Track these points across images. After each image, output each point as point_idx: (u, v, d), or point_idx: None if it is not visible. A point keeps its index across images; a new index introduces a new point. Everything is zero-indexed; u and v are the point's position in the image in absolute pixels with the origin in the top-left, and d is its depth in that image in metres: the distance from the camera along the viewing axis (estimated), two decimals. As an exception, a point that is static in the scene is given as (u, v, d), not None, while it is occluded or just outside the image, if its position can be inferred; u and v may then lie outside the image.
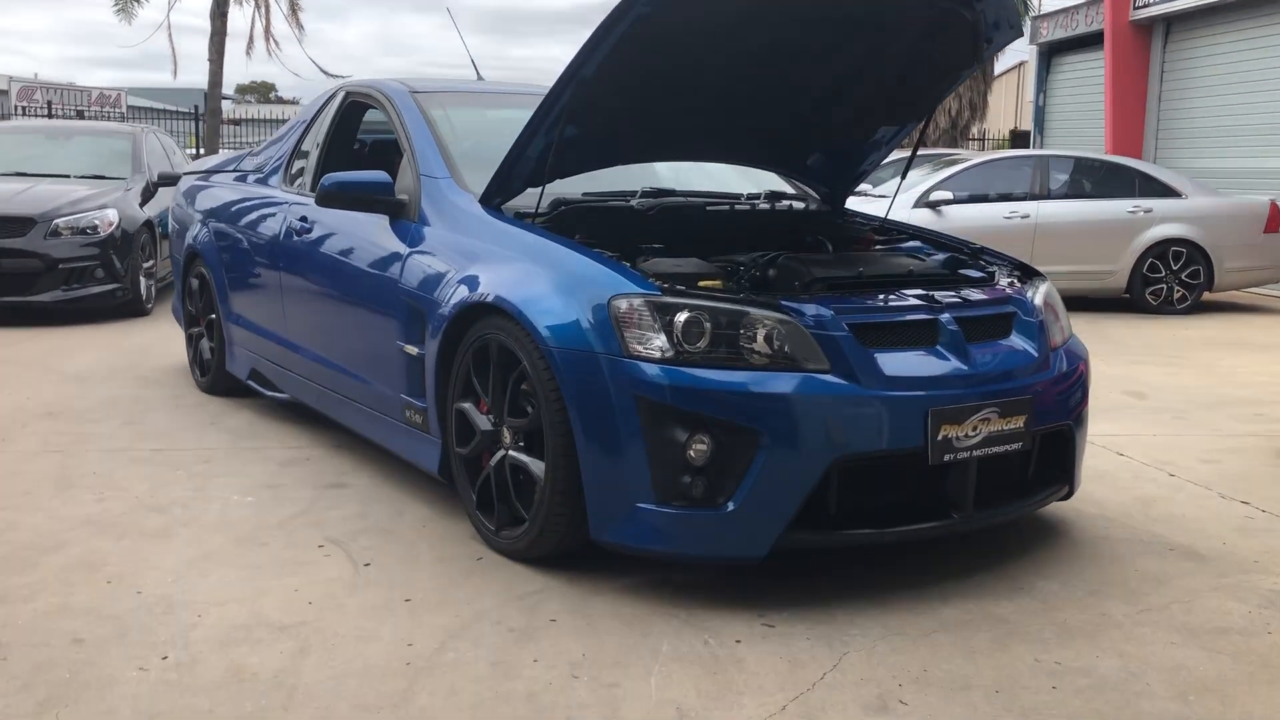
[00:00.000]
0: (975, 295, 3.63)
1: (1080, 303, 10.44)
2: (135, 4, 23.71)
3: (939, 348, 3.36)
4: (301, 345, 4.87)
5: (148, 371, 6.65)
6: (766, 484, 3.08)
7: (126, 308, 8.86)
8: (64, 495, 4.14)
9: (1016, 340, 3.57)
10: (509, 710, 2.56)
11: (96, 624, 2.99)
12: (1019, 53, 31.20)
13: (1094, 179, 10.87)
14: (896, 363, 3.25)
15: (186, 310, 6.24)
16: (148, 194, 9.43)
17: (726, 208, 4.34)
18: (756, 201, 4.52)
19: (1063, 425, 3.62)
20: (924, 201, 10.40)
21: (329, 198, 4.17)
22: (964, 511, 3.35)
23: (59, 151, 9.91)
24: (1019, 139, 23.58)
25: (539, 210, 3.82)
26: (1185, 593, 3.35)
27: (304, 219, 4.80)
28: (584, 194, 4.15)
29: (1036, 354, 3.55)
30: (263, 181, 5.51)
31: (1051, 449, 3.67)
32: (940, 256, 4.22)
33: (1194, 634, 3.05)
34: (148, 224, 9.12)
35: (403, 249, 4.08)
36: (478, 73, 5.65)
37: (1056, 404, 3.59)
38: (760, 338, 3.16)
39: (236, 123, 33.46)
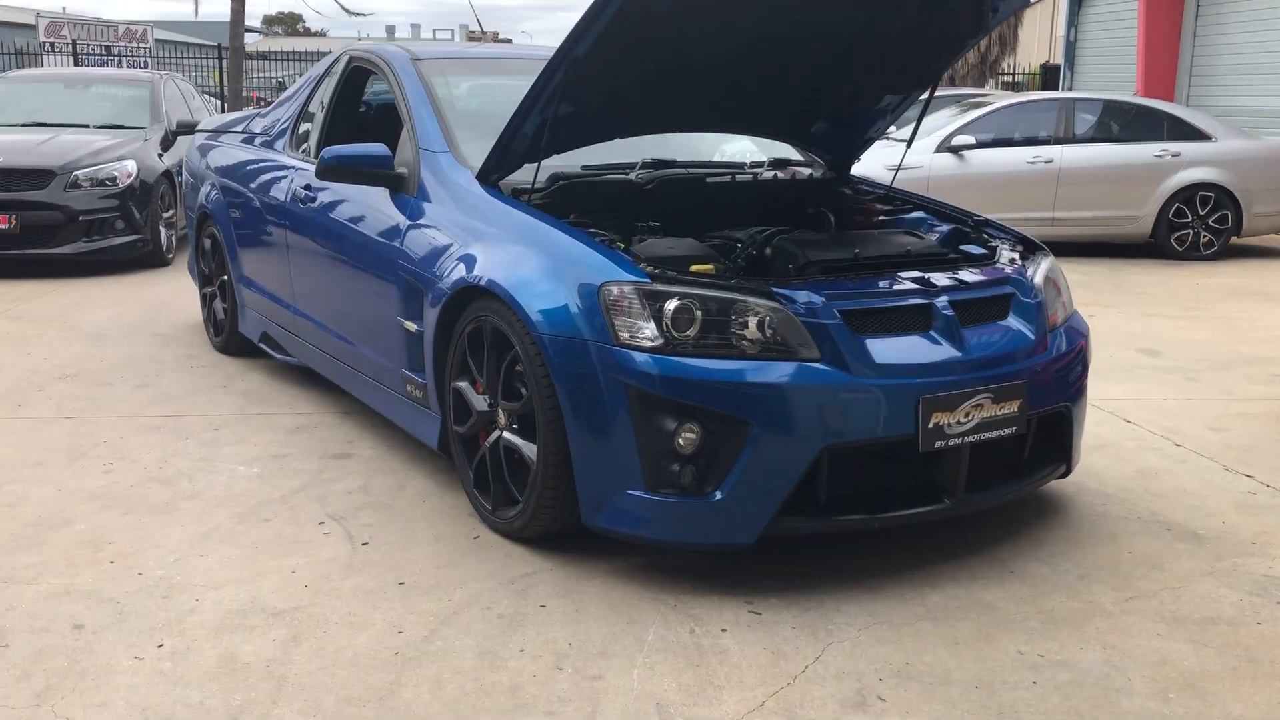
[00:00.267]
0: (972, 276, 3.59)
1: (1103, 249, 10.34)
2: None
3: (932, 333, 3.34)
4: (308, 312, 4.90)
5: (165, 328, 6.71)
6: (754, 473, 3.09)
7: (148, 258, 8.93)
8: (74, 466, 4.21)
9: (1014, 322, 3.54)
10: (490, 704, 2.61)
11: (97, 608, 3.06)
12: (1055, -19, 30.50)
13: (1121, 122, 10.67)
14: (888, 349, 3.24)
15: (200, 269, 6.28)
16: (166, 143, 9.44)
17: (728, 178, 4.30)
18: (759, 171, 4.48)
19: (1060, 407, 3.60)
20: (946, 146, 10.27)
21: (328, 171, 4.17)
22: (956, 496, 3.35)
23: (78, 100, 9.93)
24: (1050, 75, 23.13)
25: (535, 186, 3.80)
26: (1177, 578, 3.35)
27: (308, 186, 4.80)
28: (583, 167, 4.12)
29: (1034, 336, 3.52)
30: (270, 145, 5.50)
31: (1048, 429, 3.66)
32: (943, 229, 4.18)
33: (1181, 624, 3.06)
34: (166, 174, 9.15)
35: (402, 223, 4.08)
36: (480, 25, 5.59)
37: (1054, 385, 3.57)
38: (751, 326, 3.15)
39: (264, 56, 33.33)
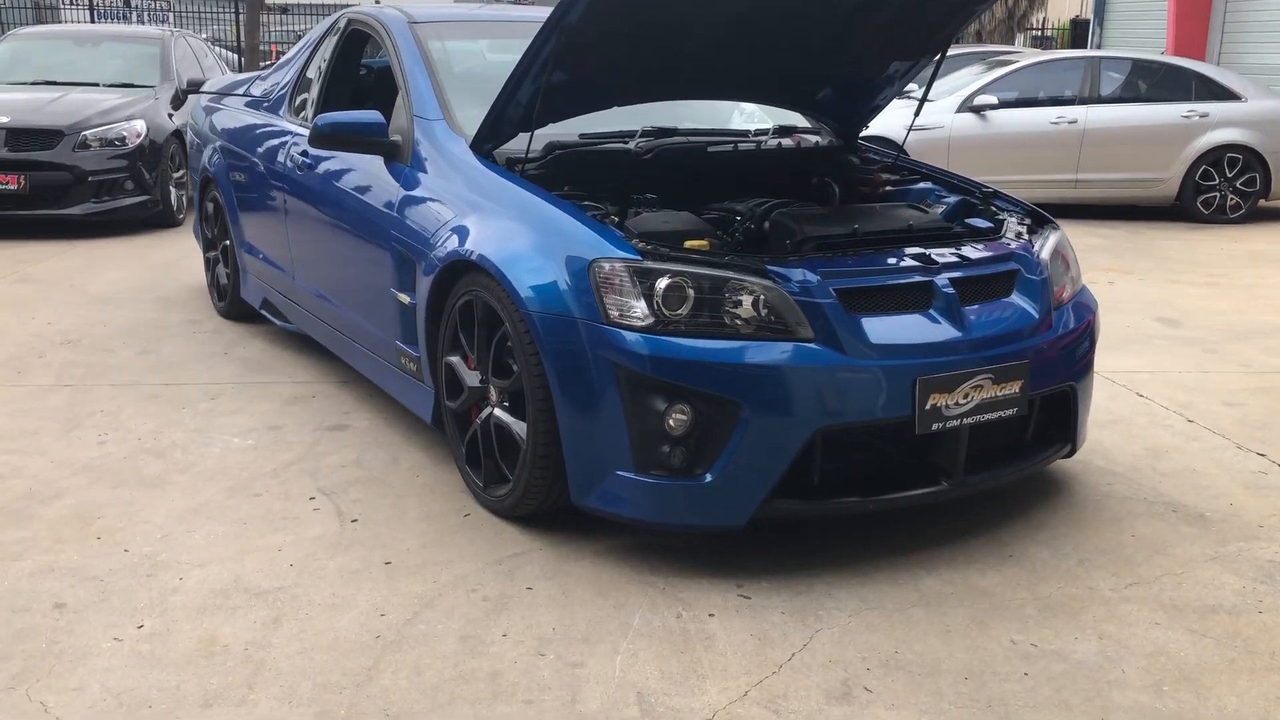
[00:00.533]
0: (976, 253, 3.49)
1: (1126, 212, 10.17)
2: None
3: (932, 312, 3.25)
4: (306, 280, 4.84)
5: (170, 292, 6.69)
6: (746, 455, 3.03)
7: (158, 219, 8.90)
8: (68, 437, 4.19)
9: (1017, 300, 3.45)
10: (468, 691, 2.57)
11: (80, 586, 3.03)
12: (1087, -67, 29.87)
13: (1148, 81, 10.44)
14: (885, 329, 3.15)
15: (204, 233, 6.23)
16: (177, 102, 9.37)
17: (730, 147, 4.20)
18: (763, 140, 4.37)
19: (1064, 386, 3.51)
20: (968, 106, 10.09)
21: (321, 139, 4.09)
22: (955, 478, 3.27)
23: (87, 58, 9.86)
24: (1079, 30, 22.69)
25: (529, 156, 3.72)
26: (1180, 563, 3.27)
27: (305, 153, 4.73)
28: (581, 136, 4.03)
29: (1037, 314, 3.42)
30: (270, 109, 5.43)
31: (1052, 409, 3.57)
32: (950, 200, 4.08)
33: (1180, 613, 2.98)
34: (177, 134, 9.09)
35: (395, 193, 4.00)
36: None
37: (1058, 365, 3.47)
38: (744, 304, 3.07)
39: (284, 10, 33.07)
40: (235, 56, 14.09)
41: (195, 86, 6.82)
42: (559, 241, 3.25)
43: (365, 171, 4.24)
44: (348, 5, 8.50)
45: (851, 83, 4.30)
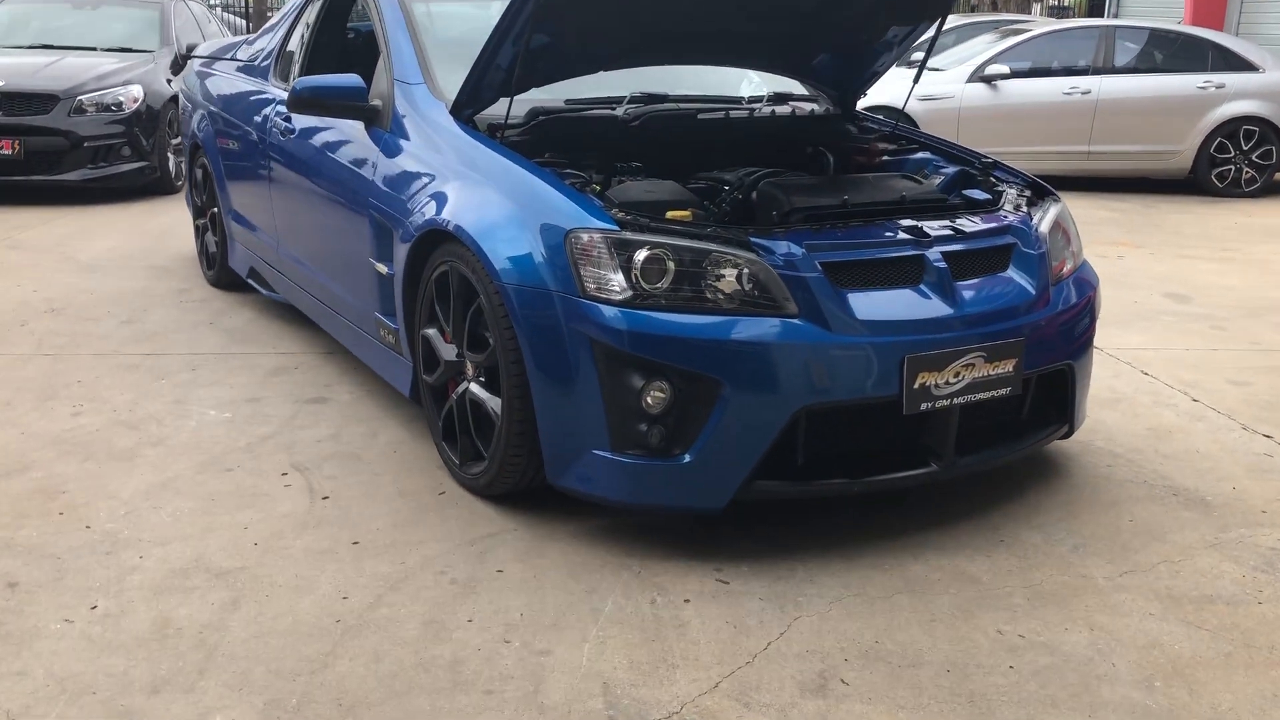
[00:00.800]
0: (971, 225, 3.35)
1: (1139, 185, 9.98)
2: None
3: (922, 287, 3.12)
4: (290, 249, 4.73)
5: (162, 260, 6.59)
6: (726, 435, 2.91)
7: (155, 186, 8.80)
8: (42, 408, 4.09)
9: (1013, 275, 3.31)
10: (427, 680, 2.47)
11: (36, 565, 2.94)
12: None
13: (1164, 51, 10.21)
14: (872, 305, 3.02)
15: (193, 201, 6.13)
16: (176, 67, 9.23)
17: (721, 115, 4.06)
18: (757, 107, 4.22)
19: (1061, 365, 3.38)
20: (979, 75, 9.90)
21: (300, 103, 3.96)
22: (945, 459, 3.15)
23: (86, 22, 9.73)
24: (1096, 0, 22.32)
25: (509, 122, 3.59)
26: (1178, 550, 3.15)
27: (288, 118, 4.60)
28: (566, 101, 3.89)
29: (1034, 290, 3.29)
30: (257, 73, 5.30)
31: (1048, 388, 3.44)
32: (949, 171, 3.93)
33: (1176, 603, 2.86)
34: (175, 99, 8.94)
35: (374, 160, 3.88)
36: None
37: (1054, 343, 3.34)
38: (725, 278, 2.94)
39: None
40: (244, 22, 13.95)
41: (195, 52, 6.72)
42: (535, 211, 3.12)
43: (345, 137, 4.12)
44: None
45: (849, 48, 4.15)
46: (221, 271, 5.75)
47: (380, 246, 3.79)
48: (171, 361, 4.66)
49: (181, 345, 4.89)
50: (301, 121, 4.47)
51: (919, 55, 11.00)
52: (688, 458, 2.93)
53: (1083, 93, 9.76)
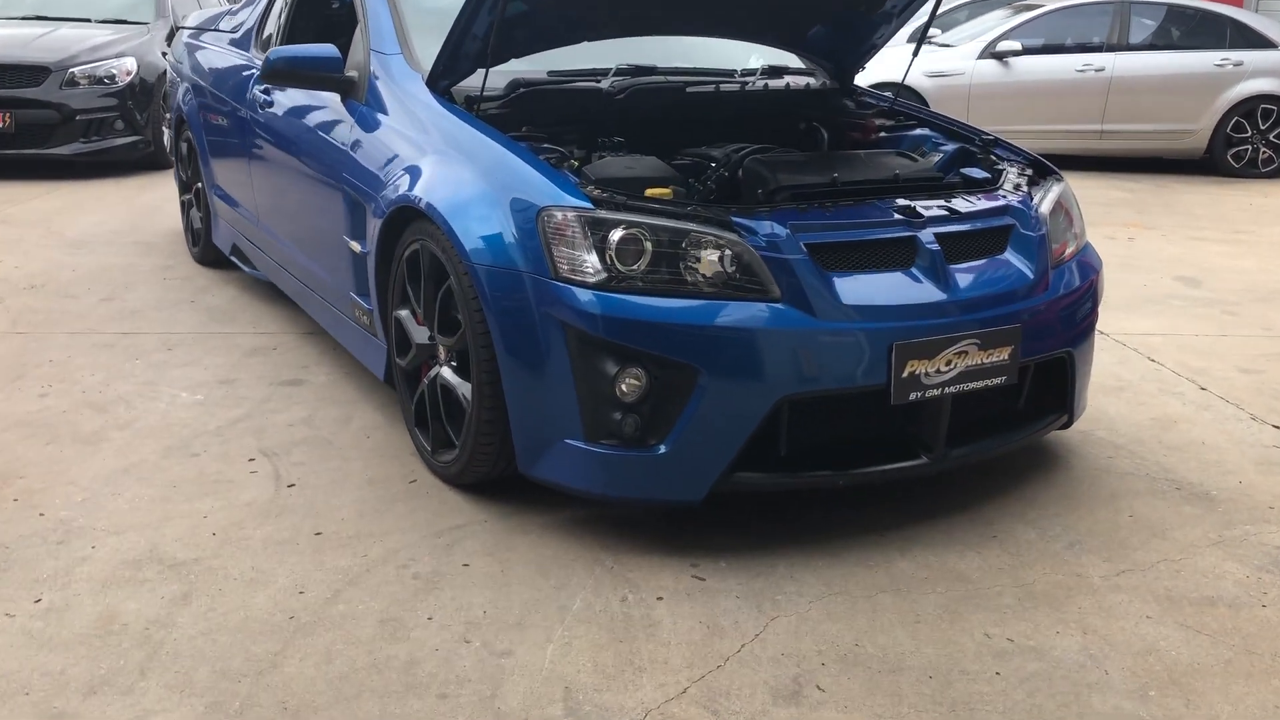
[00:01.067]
0: (967, 205, 3.20)
1: (1153, 164, 9.77)
2: None
3: (913, 270, 2.97)
4: (269, 225, 4.60)
5: (149, 236, 6.46)
6: (703, 425, 2.77)
7: (149, 160, 8.66)
8: (10, 388, 3.97)
9: (1011, 258, 3.15)
10: (378, 683, 2.34)
11: (-16, 554, 2.82)
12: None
13: (1180, 28, 9.97)
14: (859, 289, 2.87)
15: (179, 175, 6.00)
16: (171, 39, 9.08)
17: (711, 88, 3.90)
18: (748, 81, 4.06)
19: (1060, 353, 3.22)
20: (990, 52, 9.69)
21: (274, 74, 3.81)
22: (936, 451, 3.01)
23: (81, -8, 9.57)
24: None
25: (485, 94, 3.44)
26: (1179, 548, 3.00)
27: (266, 90, 4.46)
28: (550, 73, 3.74)
29: (1033, 274, 3.13)
30: (239, 44, 5.15)
31: (1047, 376, 3.29)
32: (948, 149, 3.77)
33: (1176, 605, 2.72)
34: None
35: (349, 133, 3.74)
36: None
37: (1053, 330, 3.19)
38: (704, 260, 2.80)
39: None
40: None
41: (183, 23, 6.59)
42: (507, 187, 2.98)
43: (321, 110, 3.97)
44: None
45: (846, 19, 3.98)
46: (206, 248, 5.62)
47: (354, 223, 3.65)
48: (147, 341, 4.53)
49: (160, 324, 4.76)
50: (280, 94, 4.33)
51: (933, 31, 10.82)
52: (663, 448, 2.79)
53: (1096, 70, 9.55)
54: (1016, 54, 9.62)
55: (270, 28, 4.88)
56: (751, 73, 4.14)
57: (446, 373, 3.19)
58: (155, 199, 7.52)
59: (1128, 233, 7.14)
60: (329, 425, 3.70)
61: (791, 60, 4.35)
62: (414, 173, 3.28)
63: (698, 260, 2.80)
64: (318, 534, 2.96)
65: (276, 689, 2.31)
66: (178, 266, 5.75)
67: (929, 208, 3.11)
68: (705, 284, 2.79)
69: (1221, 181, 9.33)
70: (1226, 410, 4.02)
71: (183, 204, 5.98)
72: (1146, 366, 4.48)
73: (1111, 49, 9.67)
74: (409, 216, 3.26)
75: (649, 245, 2.79)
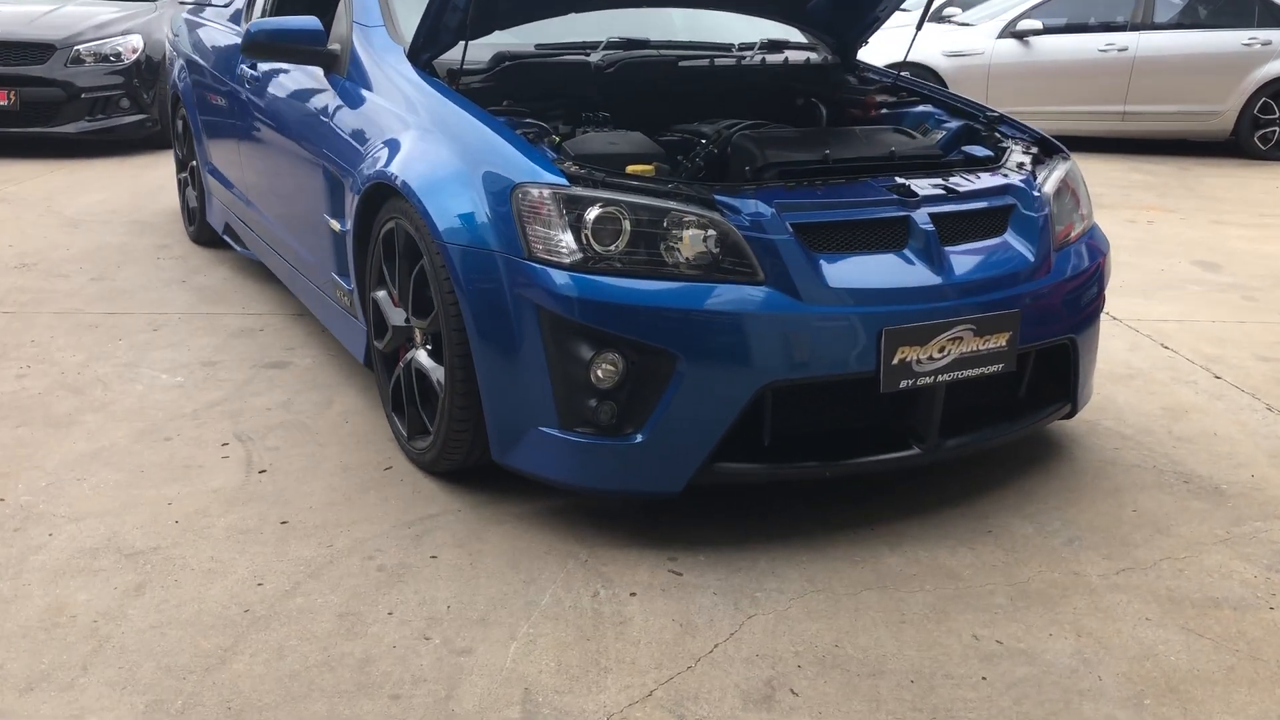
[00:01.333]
0: (966, 184, 3.05)
1: (1177, 147, 9.56)
2: None
3: (906, 252, 2.82)
4: (256, 203, 4.50)
5: (149, 215, 6.38)
6: (681, 414, 2.64)
7: (155, 139, 8.58)
8: (-13, 369, 3.89)
9: (1010, 240, 3.01)
10: (329, 682, 2.23)
11: (-62, 541, 2.73)
12: None
13: (1206, 6, 9.73)
14: (848, 272, 2.73)
15: (176, 154, 5.91)
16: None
17: (705, 63, 3.75)
18: (745, 55, 3.91)
19: (1063, 339, 3.08)
20: (1010, 31, 9.49)
21: (255, 48, 3.69)
22: (928, 442, 2.87)
23: (88, -30, 9.47)
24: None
25: (464, 67, 3.31)
26: (1184, 545, 2.85)
27: (254, 65, 4.35)
28: (537, 46, 3.61)
29: (1033, 257, 2.98)
30: (231, 19, 5.04)
31: (1049, 363, 3.15)
32: (951, 126, 3.62)
33: (1178, 606, 2.57)
34: (175, 50, 8.72)
35: (330, 108, 3.62)
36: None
37: (1056, 315, 3.04)
38: (686, 240, 2.66)
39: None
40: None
41: (184, -1, 6.49)
42: (481, 163, 2.85)
43: (305, 84, 3.86)
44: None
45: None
46: (201, 227, 5.53)
47: (334, 201, 3.54)
48: (133, 321, 4.44)
49: (148, 304, 4.67)
50: (267, 69, 4.22)
51: (952, 10, 10.61)
52: (640, 437, 2.67)
53: (1119, 50, 9.33)
54: (1037, 33, 9.41)
55: (263, 2, 4.76)
56: (749, 47, 4.00)
57: (421, 356, 3.07)
58: (158, 178, 7.44)
59: (1147, 216, 6.95)
60: (308, 409, 3.59)
61: (793, 34, 4.20)
62: (390, 149, 3.16)
63: (679, 240, 2.67)
64: (284, 523, 2.85)
65: (223, 687, 2.21)
66: (173, 246, 5.66)
67: (925, 187, 2.96)
68: (686, 265, 2.66)
69: (1247, 164, 9.11)
70: (1241, 400, 3.86)
71: (179, 182, 5.90)
72: (1159, 353, 4.32)
73: (1135, 28, 9.44)
74: (385, 194, 3.15)
75: (628, 224, 2.66)
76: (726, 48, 3.97)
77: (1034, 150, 3.39)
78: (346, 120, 3.49)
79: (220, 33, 5.02)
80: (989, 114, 3.64)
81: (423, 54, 3.37)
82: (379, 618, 2.45)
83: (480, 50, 3.44)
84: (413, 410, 3.15)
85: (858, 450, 2.85)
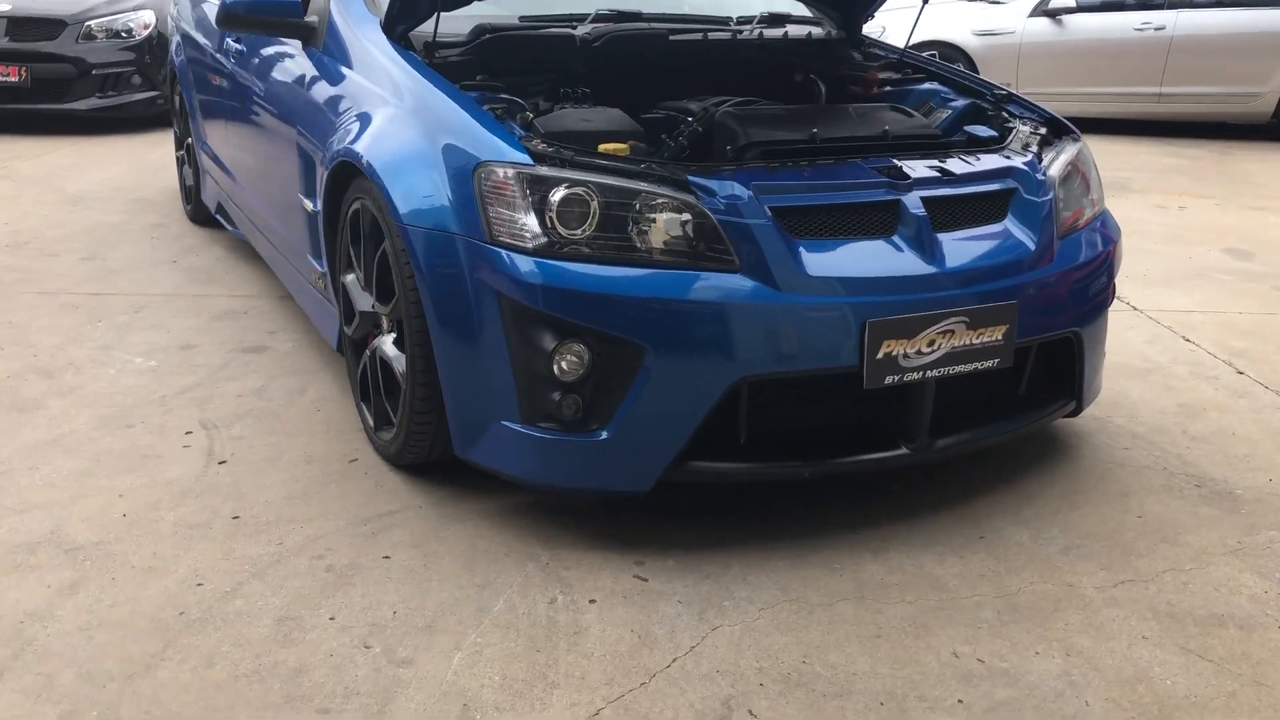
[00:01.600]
0: (964, 166, 2.86)
1: (1216, 130, 9.25)
2: None
3: (895, 239, 2.64)
4: (242, 183, 4.37)
5: (151, 193, 6.29)
6: (649, 409, 2.48)
7: (167, 117, 8.40)
8: (-41, 351, 3.79)
9: (1010, 226, 2.81)
10: (256, 694, 2.09)
11: (-125, 532, 2.62)
12: None
13: (1251, -17, 9.38)
14: (831, 260, 2.56)
15: (175, 131, 5.80)
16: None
17: (699, 37, 3.57)
18: (743, 29, 3.73)
19: (1066, 333, 2.89)
20: (1042, 9, 9.21)
21: (230, 20, 3.53)
22: (917, 441, 2.69)
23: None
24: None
25: (438, 39, 3.16)
26: (1191, 555, 2.66)
27: (239, 39, 4.21)
28: (521, 18, 3.45)
29: (1034, 245, 2.79)
30: (224, -9, 4.89)
31: (1052, 358, 2.96)
32: (958, 104, 3.43)
33: (1178, 623, 2.39)
34: (189, 26, 8.62)
35: (305, 83, 3.48)
36: None
37: (1058, 307, 2.85)
38: (657, 224, 2.50)
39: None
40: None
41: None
42: (444, 141, 2.70)
43: (283, 59, 3.72)
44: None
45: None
46: (198, 206, 5.41)
47: (307, 180, 3.40)
48: (116, 302, 4.33)
49: (134, 285, 4.56)
50: (252, 43, 4.08)
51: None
52: (605, 434, 2.51)
53: (1156, 28, 9.02)
54: (1070, 11, 9.13)
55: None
56: (748, 20, 3.81)
57: (386, 344, 2.93)
58: (165, 156, 7.33)
59: (1178, 201, 6.69)
60: (281, 396, 3.46)
61: (797, 8, 4.01)
62: (358, 125, 3.01)
63: (650, 224, 2.50)
64: (235, 518, 2.72)
65: (143, 697, 2.07)
66: (170, 225, 5.55)
67: (919, 169, 2.78)
68: (657, 251, 2.50)
69: (1288, 148, 8.80)
70: (1264, 398, 3.64)
71: (177, 160, 5.79)
72: (1180, 346, 4.10)
73: (1173, 6, 9.11)
74: (351, 173, 3.00)
75: (595, 206, 2.50)
76: (724, 21, 3.79)
77: (1042, 131, 3.19)
78: (319, 95, 3.35)
79: (212, 6, 4.89)
80: (996, 92, 3.44)
81: (398, 25, 3.22)
82: (319, 623, 2.31)
83: (462, 22, 3.29)
84: (378, 400, 3.01)
85: (842, 449, 2.68)
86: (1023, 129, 3.18)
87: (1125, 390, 3.63)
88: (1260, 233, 5.97)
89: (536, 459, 2.58)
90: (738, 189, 2.54)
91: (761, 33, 3.70)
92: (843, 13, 3.89)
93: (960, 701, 2.13)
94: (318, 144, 3.25)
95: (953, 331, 2.60)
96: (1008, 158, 2.95)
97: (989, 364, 2.68)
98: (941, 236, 2.68)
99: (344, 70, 3.29)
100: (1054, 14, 9.13)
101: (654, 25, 3.56)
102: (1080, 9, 9.13)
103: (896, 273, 2.59)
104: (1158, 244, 5.60)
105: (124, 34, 8.13)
